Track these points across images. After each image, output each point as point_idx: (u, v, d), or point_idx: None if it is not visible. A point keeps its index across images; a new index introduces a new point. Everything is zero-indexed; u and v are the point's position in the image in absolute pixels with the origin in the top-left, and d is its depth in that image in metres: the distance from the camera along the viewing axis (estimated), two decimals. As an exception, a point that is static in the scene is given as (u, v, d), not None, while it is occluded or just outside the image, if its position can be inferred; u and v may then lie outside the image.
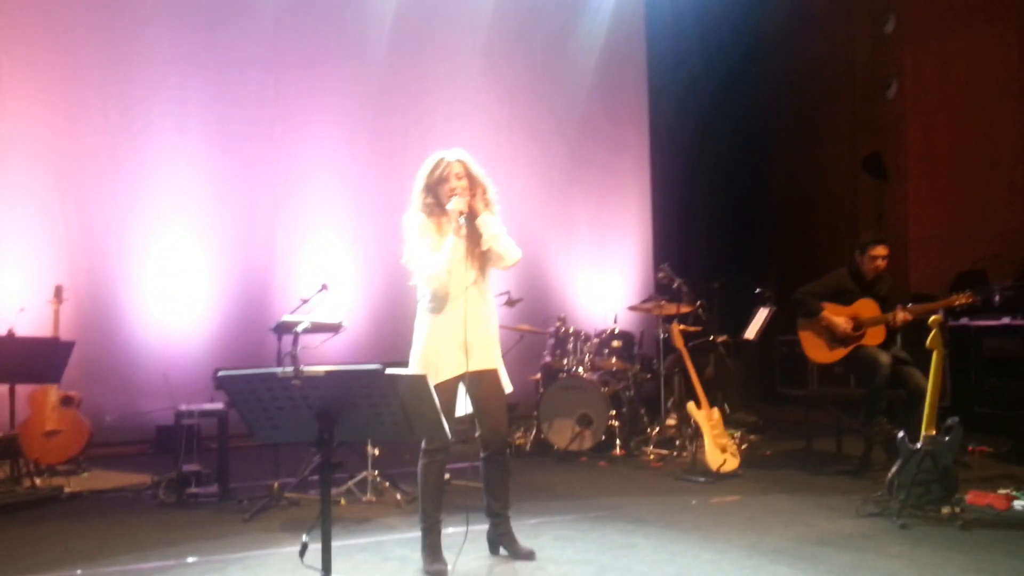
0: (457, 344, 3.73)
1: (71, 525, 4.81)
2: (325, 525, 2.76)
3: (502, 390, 3.90)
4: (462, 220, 3.73)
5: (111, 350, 7.12)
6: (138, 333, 7.29)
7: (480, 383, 3.84)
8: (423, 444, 3.78)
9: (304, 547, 2.78)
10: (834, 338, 5.89)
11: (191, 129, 7.58)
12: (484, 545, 4.06)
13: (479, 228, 3.80)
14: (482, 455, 3.92)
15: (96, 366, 6.87)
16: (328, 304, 5.47)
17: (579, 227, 9.51)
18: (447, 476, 4.57)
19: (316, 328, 4.96)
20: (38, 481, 5.51)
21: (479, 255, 3.84)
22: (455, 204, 3.74)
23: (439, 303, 3.80)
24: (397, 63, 8.51)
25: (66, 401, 6.21)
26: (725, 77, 10.34)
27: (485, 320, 3.86)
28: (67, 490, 5.48)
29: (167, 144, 7.49)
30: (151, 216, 7.40)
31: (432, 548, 3.80)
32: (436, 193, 3.83)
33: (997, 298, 7.28)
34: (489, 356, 3.86)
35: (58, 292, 6.32)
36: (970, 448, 6.22)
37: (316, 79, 8.12)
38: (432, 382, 3.59)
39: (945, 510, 4.43)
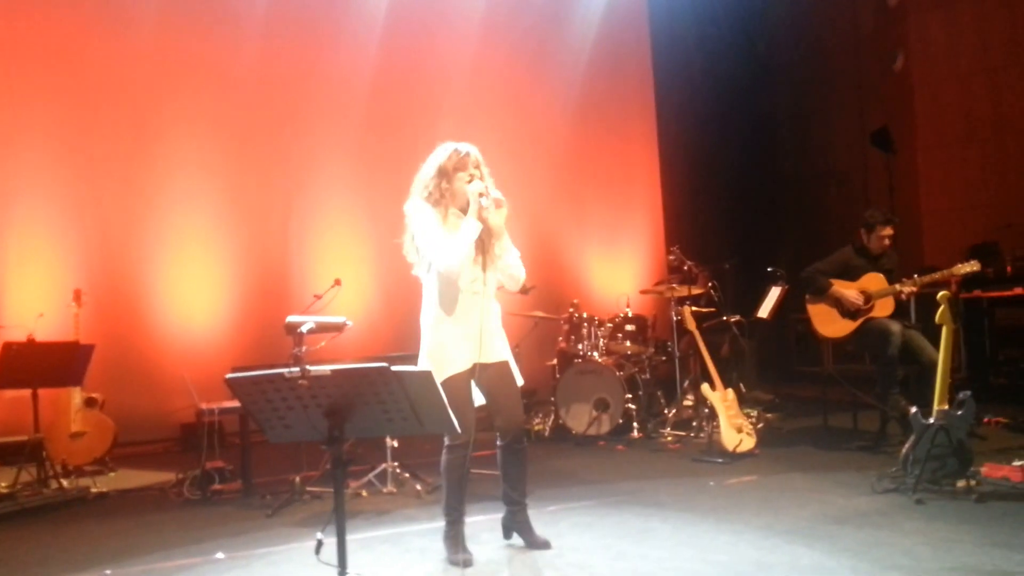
0: (469, 336, 3.73)
1: (99, 525, 4.89)
2: (339, 521, 2.78)
3: (514, 380, 3.90)
4: (484, 201, 3.69)
5: (132, 351, 7.22)
6: (158, 333, 7.40)
7: (489, 373, 3.83)
8: (446, 440, 3.78)
9: (319, 544, 2.80)
10: (844, 312, 5.91)
11: (202, 133, 7.67)
12: (501, 533, 4.10)
13: (503, 245, 3.81)
14: (499, 444, 3.92)
15: (118, 367, 6.96)
16: (342, 299, 5.52)
17: (589, 212, 9.51)
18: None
19: (321, 328, 5.00)
20: (65, 483, 5.60)
21: (484, 249, 3.82)
22: (476, 186, 3.71)
23: (449, 295, 3.77)
24: (404, 58, 8.53)
25: (90, 403, 6.31)
26: (730, 55, 10.31)
27: (492, 312, 3.87)
28: (94, 490, 5.57)
29: (179, 147, 7.58)
30: (166, 218, 7.50)
31: (457, 539, 3.85)
32: (451, 179, 3.78)
33: (1009, 268, 7.25)
34: (500, 347, 3.88)
35: (77, 296, 6.39)
36: (986, 420, 6.21)
37: (322, 77, 8.17)
38: (445, 375, 3.64)
39: (960, 484, 4.43)
